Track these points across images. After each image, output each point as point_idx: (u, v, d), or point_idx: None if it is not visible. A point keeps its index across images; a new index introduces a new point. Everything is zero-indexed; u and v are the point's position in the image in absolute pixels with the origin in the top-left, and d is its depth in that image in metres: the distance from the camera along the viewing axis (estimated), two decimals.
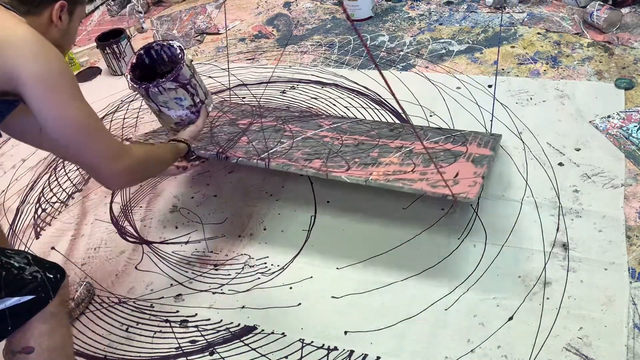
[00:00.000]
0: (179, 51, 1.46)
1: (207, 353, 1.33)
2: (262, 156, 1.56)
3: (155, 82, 1.37)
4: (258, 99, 2.16)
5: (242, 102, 2.08)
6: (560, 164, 1.61)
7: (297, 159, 1.54)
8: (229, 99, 2.12)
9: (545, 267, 1.35)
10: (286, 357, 1.28)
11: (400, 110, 1.91)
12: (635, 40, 2.06)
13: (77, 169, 1.98)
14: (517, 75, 2.01)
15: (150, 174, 1.48)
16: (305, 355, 1.28)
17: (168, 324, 1.42)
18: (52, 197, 1.92)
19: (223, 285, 1.48)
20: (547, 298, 1.28)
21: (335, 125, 1.77)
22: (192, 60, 1.45)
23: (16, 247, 1.74)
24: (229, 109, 1.97)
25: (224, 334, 1.36)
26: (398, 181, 1.38)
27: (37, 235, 1.77)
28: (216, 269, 1.53)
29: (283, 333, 1.33)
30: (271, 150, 1.60)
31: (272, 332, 1.34)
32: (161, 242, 1.65)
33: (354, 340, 1.29)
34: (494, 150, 1.56)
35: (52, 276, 1.08)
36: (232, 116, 1.89)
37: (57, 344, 1.08)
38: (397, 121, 1.90)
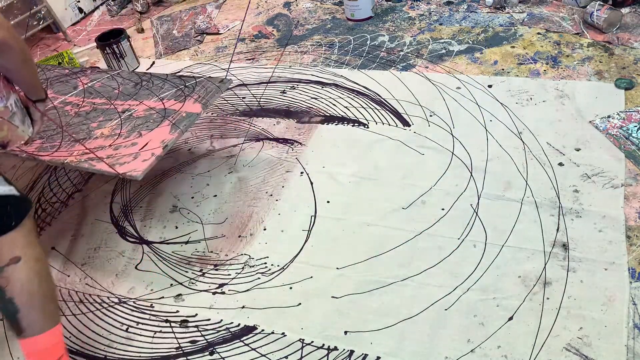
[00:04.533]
0: None
1: (207, 353, 1.33)
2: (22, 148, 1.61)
3: None
4: (258, 99, 2.16)
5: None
6: (560, 164, 1.61)
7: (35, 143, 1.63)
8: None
9: (545, 267, 1.35)
10: (286, 357, 1.28)
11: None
12: (635, 40, 2.06)
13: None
14: (517, 75, 2.01)
15: (18, 53, 1.20)
16: (305, 355, 1.28)
17: (168, 324, 1.42)
18: (52, 197, 1.92)
19: (223, 285, 1.48)
20: (547, 298, 1.28)
21: (88, 85, 1.89)
22: None
23: None
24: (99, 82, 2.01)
25: (224, 334, 1.36)
26: (86, 162, 1.51)
27: (37, 235, 1.77)
28: (216, 269, 1.53)
29: (283, 333, 1.33)
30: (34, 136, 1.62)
31: (272, 332, 1.34)
32: (161, 242, 1.65)
33: (354, 340, 1.29)
34: (205, 105, 1.67)
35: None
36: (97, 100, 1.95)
37: (40, 255, 1.21)
38: (398, 121, 1.90)
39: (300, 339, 1.31)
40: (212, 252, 1.58)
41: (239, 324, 1.38)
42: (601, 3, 2.15)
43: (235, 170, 1.85)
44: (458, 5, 2.55)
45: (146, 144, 1.54)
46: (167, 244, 1.64)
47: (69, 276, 1.61)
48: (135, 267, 1.59)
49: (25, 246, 1.17)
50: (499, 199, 1.55)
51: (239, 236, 1.61)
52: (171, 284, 1.52)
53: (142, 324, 1.43)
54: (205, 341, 1.36)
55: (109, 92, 1.83)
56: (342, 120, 1.96)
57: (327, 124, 1.95)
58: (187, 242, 1.63)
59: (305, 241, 1.55)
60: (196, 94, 1.72)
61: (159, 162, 1.95)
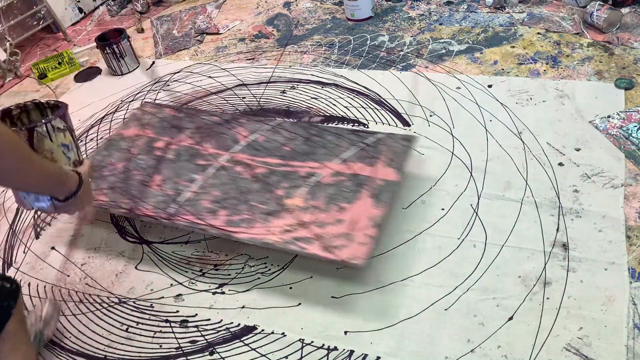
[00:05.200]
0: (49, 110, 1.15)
1: (207, 353, 1.33)
2: (169, 211, 1.49)
3: (43, 119, 1.06)
4: (258, 99, 2.16)
5: (163, 104, 2.01)
6: (560, 164, 1.61)
7: (202, 211, 1.48)
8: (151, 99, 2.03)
9: (545, 267, 1.35)
10: (286, 357, 1.28)
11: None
12: (635, 40, 2.06)
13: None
14: (517, 75, 2.01)
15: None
16: (305, 355, 1.28)
17: (168, 324, 1.42)
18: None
19: (223, 285, 1.48)
20: (547, 298, 1.28)
21: (251, 138, 1.69)
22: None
23: (16, 247, 1.74)
24: (149, 118, 1.86)
25: (224, 334, 1.36)
26: (294, 242, 1.35)
27: (37, 235, 1.77)
28: (216, 269, 1.53)
29: (283, 333, 1.33)
30: (181, 199, 1.53)
31: (272, 332, 1.34)
32: (161, 242, 1.65)
33: (354, 340, 1.29)
34: (400, 170, 1.49)
35: (8, 285, 1.09)
36: (150, 132, 1.80)
37: (30, 356, 1.10)
38: (398, 121, 1.90)
39: (300, 339, 1.31)
40: (212, 252, 1.58)
41: (239, 324, 1.38)
42: (601, 3, 2.15)
43: None
44: (458, 5, 2.55)
45: (353, 221, 1.37)
46: (167, 244, 1.64)
47: (69, 276, 1.61)
48: (135, 267, 1.59)
49: (6, 356, 1.05)
50: (499, 199, 1.55)
51: None
52: (171, 284, 1.52)
53: (142, 324, 1.43)
54: (205, 341, 1.36)
55: (277, 147, 1.64)
56: (342, 120, 1.96)
57: (327, 124, 1.95)
58: (187, 242, 1.63)
59: None
60: (383, 155, 1.54)
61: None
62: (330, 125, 1.88)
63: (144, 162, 1.68)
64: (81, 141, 2.16)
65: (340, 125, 1.73)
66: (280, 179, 1.54)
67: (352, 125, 1.92)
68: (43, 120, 1.04)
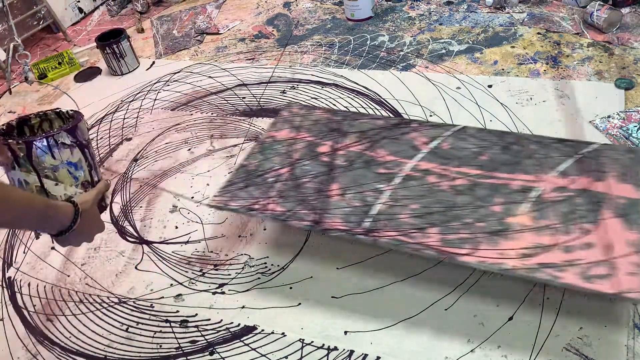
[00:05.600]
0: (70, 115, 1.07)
1: (207, 353, 1.33)
2: (364, 225, 1.29)
3: (44, 134, 0.96)
4: (258, 99, 2.16)
5: (311, 106, 1.77)
6: None
7: (406, 227, 1.27)
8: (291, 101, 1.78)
9: None
10: (286, 357, 1.28)
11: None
12: (635, 40, 2.06)
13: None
14: (517, 75, 2.01)
15: None
16: (305, 355, 1.28)
17: (168, 324, 1.42)
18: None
19: (223, 285, 1.48)
20: (547, 298, 1.28)
21: (433, 145, 1.48)
22: (89, 129, 1.10)
23: (16, 247, 1.75)
24: (300, 120, 1.68)
25: (224, 334, 1.36)
26: (540, 270, 1.13)
27: (37, 236, 1.76)
28: (216, 269, 1.53)
29: (283, 333, 1.33)
30: (372, 212, 1.32)
31: (272, 332, 1.34)
32: (161, 242, 1.65)
33: (354, 340, 1.29)
34: (638, 186, 1.26)
35: None
36: (308, 135, 1.60)
37: None
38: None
39: (300, 339, 1.31)
40: (212, 252, 1.58)
41: (239, 324, 1.38)
42: (601, 3, 2.15)
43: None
44: (458, 5, 2.55)
45: (609, 246, 1.15)
46: (167, 244, 1.64)
47: (69, 276, 1.61)
48: (135, 267, 1.59)
49: None
50: None
51: (239, 236, 1.61)
52: (171, 284, 1.52)
53: (142, 324, 1.43)
54: (205, 341, 1.36)
55: (470, 156, 1.42)
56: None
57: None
58: (187, 242, 1.63)
59: (305, 241, 1.55)
60: (609, 168, 1.32)
61: (158, 162, 1.96)
62: (527, 133, 1.69)
63: (311, 168, 1.49)
64: None
65: (544, 135, 1.51)
66: (489, 192, 1.32)
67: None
68: (44, 134, 0.93)
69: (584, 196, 1.27)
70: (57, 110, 1.06)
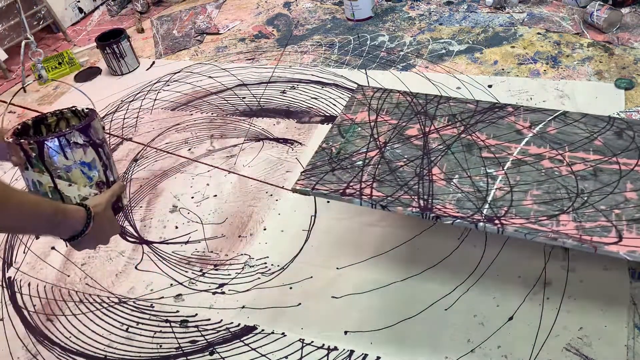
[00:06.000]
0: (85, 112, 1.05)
1: (207, 353, 1.33)
2: (484, 213, 1.18)
3: (55, 133, 0.92)
4: (258, 99, 2.16)
5: (385, 89, 1.64)
6: None
7: (534, 214, 1.17)
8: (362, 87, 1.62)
9: (545, 267, 1.35)
10: (286, 357, 1.28)
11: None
12: (635, 40, 2.06)
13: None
14: (517, 75, 2.01)
15: None
16: (305, 355, 1.28)
17: (168, 324, 1.42)
18: None
19: (223, 285, 1.48)
20: (547, 298, 1.28)
21: (539, 129, 1.39)
22: (104, 127, 1.05)
23: (16, 247, 1.75)
24: (378, 102, 1.58)
25: (224, 334, 1.36)
26: None
27: (37, 236, 1.77)
28: (216, 269, 1.53)
29: (283, 333, 1.33)
30: (490, 199, 1.21)
31: (272, 332, 1.34)
32: (161, 242, 1.65)
33: (354, 340, 1.29)
34: None
35: None
36: (390, 119, 1.50)
37: None
38: None
39: (300, 339, 1.31)
40: (212, 252, 1.58)
41: (239, 324, 1.38)
42: (601, 3, 2.15)
43: (235, 170, 1.85)
44: (458, 5, 2.55)
45: None
46: (167, 244, 1.64)
47: (69, 276, 1.61)
48: (135, 267, 1.59)
49: None
50: None
51: (239, 236, 1.61)
52: (171, 284, 1.52)
53: (142, 324, 1.43)
54: (205, 341, 1.36)
55: (581, 141, 1.34)
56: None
57: (327, 124, 1.95)
58: (187, 242, 1.63)
59: (305, 241, 1.55)
60: None
61: (158, 163, 1.96)
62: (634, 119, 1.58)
63: (403, 152, 1.38)
64: None
65: None
66: (616, 178, 1.22)
67: None
68: (56, 134, 0.90)
69: None
70: (74, 109, 1.04)
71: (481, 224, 1.16)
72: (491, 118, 1.46)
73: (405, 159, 1.36)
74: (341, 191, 1.27)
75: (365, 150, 1.41)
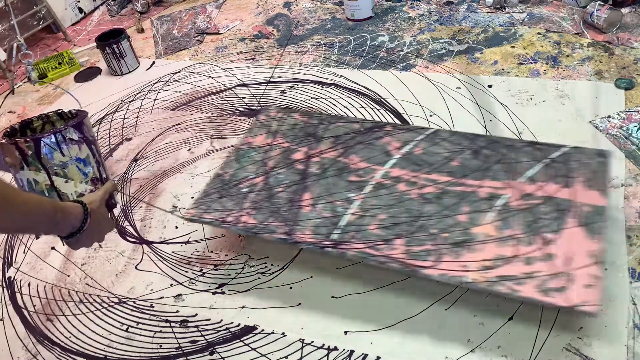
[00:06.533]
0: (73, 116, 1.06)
1: (207, 353, 1.33)
2: (332, 238, 1.29)
3: (52, 130, 0.94)
4: (258, 99, 2.16)
5: (289, 109, 1.76)
6: None
7: (373, 238, 1.27)
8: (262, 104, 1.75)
9: None
10: (286, 357, 1.28)
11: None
12: (635, 40, 2.06)
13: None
14: (517, 75, 2.01)
15: None
16: (305, 355, 1.28)
17: (168, 324, 1.42)
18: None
19: (223, 285, 1.48)
20: None
21: (406, 150, 1.47)
22: (93, 126, 1.06)
23: (16, 247, 1.75)
24: (277, 124, 1.66)
25: (224, 334, 1.36)
26: (501, 283, 1.13)
27: (37, 236, 1.76)
28: (216, 269, 1.53)
29: (283, 333, 1.33)
30: (342, 223, 1.32)
31: (272, 332, 1.34)
32: (161, 242, 1.65)
33: (354, 340, 1.29)
34: (604, 192, 1.26)
35: None
36: (284, 141, 1.59)
37: None
38: (398, 121, 1.90)
39: (300, 339, 1.31)
40: (212, 252, 1.58)
41: (239, 324, 1.38)
42: (601, 3, 2.15)
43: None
44: (458, 5, 2.55)
45: (566, 256, 1.15)
46: (167, 244, 1.64)
47: (69, 276, 1.61)
48: (135, 267, 1.59)
49: None
50: None
51: (239, 236, 1.61)
52: (171, 284, 1.52)
53: (142, 324, 1.43)
54: (205, 341, 1.36)
55: (441, 162, 1.42)
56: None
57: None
58: (187, 242, 1.63)
59: None
60: (577, 173, 1.31)
61: (158, 163, 1.96)
62: (498, 135, 1.68)
63: (284, 177, 1.48)
64: None
65: (510, 137, 1.54)
66: (456, 200, 1.31)
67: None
68: (51, 130, 0.92)
69: (549, 204, 1.26)
70: (59, 112, 1.05)
71: (328, 249, 1.27)
72: (370, 139, 1.54)
73: (285, 184, 1.45)
74: (222, 219, 1.39)
75: (254, 176, 1.50)
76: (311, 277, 1.45)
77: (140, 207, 1.79)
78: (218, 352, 1.32)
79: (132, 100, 2.34)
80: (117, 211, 1.79)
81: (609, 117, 1.73)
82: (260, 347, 1.31)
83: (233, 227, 1.37)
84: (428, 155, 1.44)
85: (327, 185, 1.43)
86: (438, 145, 1.47)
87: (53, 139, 0.91)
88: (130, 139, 2.11)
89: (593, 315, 1.10)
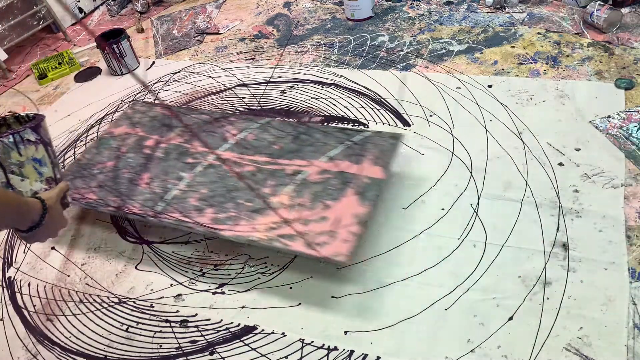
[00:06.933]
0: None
1: (207, 353, 1.33)
2: (156, 209, 1.52)
3: (9, 131, 1.00)
4: (258, 99, 2.16)
5: (154, 102, 2.04)
6: (560, 164, 1.61)
7: (189, 209, 1.51)
8: (143, 96, 2.09)
9: (545, 267, 1.35)
10: (286, 357, 1.28)
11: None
12: (635, 40, 2.06)
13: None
14: (517, 75, 2.01)
15: None
16: (305, 355, 1.28)
17: (168, 324, 1.42)
18: None
19: (223, 285, 1.48)
20: (547, 298, 1.28)
21: (240, 137, 1.71)
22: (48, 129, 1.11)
23: (16, 247, 1.75)
24: (140, 117, 1.90)
25: (224, 334, 1.36)
26: (278, 240, 1.37)
27: None
28: (216, 269, 1.53)
29: (283, 333, 1.33)
30: (168, 196, 1.55)
31: (272, 332, 1.34)
32: (161, 242, 1.65)
33: (354, 340, 1.29)
34: (387, 168, 1.51)
35: None
36: (140, 131, 1.82)
37: None
38: (398, 121, 1.90)
39: (300, 339, 1.31)
40: (212, 252, 1.58)
41: (239, 324, 1.38)
42: (601, 3, 2.15)
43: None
44: (458, 5, 2.55)
45: (337, 218, 1.39)
46: (167, 244, 1.64)
47: (69, 276, 1.61)
48: (135, 267, 1.59)
49: None
50: (499, 199, 1.55)
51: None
52: (171, 284, 1.52)
53: (142, 324, 1.43)
54: (205, 341, 1.36)
55: (266, 147, 1.66)
56: (342, 120, 1.96)
57: (327, 124, 1.95)
58: (187, 242, 1.63)
59: None
60: (369, 152, 1.56)
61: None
62: (319, 123, 1.89)
63: (133, 160, 1.71)
64: (81, 141, 2.16)
65: (330, 125, 1.78)
66: (267, 177, 1.56)
67: (352, 125, 1.92)
68: (9, 131, 0.98)
69: (339, 177, 1.50)
70: (16, 115, 1.10)
71: (150, 218, 1.50)
72: (214, 127, 1.78)
73: (130, 167, 1.68)
74: (78, 197, 1.61)
75: (106, 160, 1.74)
76: (311, 277, 1.45)
77: None
78: (218, 352, 1.32)
79: (132, 101, 2.34)
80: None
81: (609, 117, 1.73)
82: (260, 347, 1.31)
83: (73, 202, 1.59)
84: (258, 140, 1.70)
85: (166, 166, 1.66)
86: (267, 132, 1.72)
87: (11, 139, 0.96)
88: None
89: (342, 264, 1.32)
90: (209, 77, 2.38)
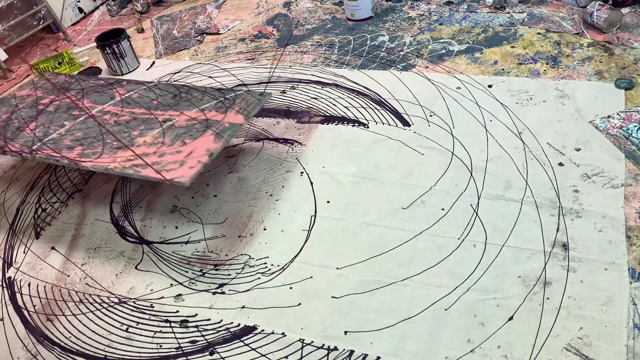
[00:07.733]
0: None
1: (207, 353, 1.33)
2: (33, 148, 1.71)
3: None
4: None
5: (61, 74, 2.22)
6: (560, 164, 1.61)
7: (62, 148, 1.70)
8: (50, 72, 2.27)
9: (545, 267, 1.35)
10: (286, 357, 1.28)
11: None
12: (635, 40, 2.06)
13: (77, 169, 1.98)
14: (517, 75, 2.01)
15: None
16: (305, 355, 1.28)
17: (168, 324, 1.42)
18: (52, 197, 1.92)
19: (223, 285, 1.48)
20: (547, 298, 1.28)
21: (126, 95, 1.93)
22: None
23: (16, 247, 1.75)
24: (44, 82, 2.11)
25: (224, 334, 1.36)
26: (131, 168, 1.55)
27: (37, 235, 1.77)
28: (216, 269, 1.53)
29: (283, 333, 1.33)
30: (46, 139, 1.75)
31: (272, 332, 1.34)
32: (161, 242, 1.65)
33: (354, 340, 1.29)
34: (247, 117, 1.70)
35: None
36: (40, 93, 2.05)
37: None
38: (398, 121, 1.90)
39: (300, 339, 1.31)
40: (212, 252, 1.58)
41: (239, 324, 1.38)
42: (601, 3, 2.15)
43: (235, 170, 1.85)
44: (458, 5, 2.55)
45: (191, 152, 1.57)
46: (167, 244, 1.64)
47: (69, 276, 1.61)
48: (135, 267, 1.59)
49: None
50: (499, 199, 1.55)
51: (239, 236, 1.61)
52: (171, 284, 1.52)
53: (142, 324, 1.43)
54: (205, 341, 1.36)
55: (147, 102, 1.87)
56: (342, 120, 1.96)
57: (327, 124, 1.95)
58: (187, 242, 1.63)
59: (305, 241, 1.55)
60: (237, 105, 1.75)
61: None
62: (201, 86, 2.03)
63: (25, 113, 1.93)
64: None
65: (211, 87, 1.94)
66: (140, 123, 1.76)
67: (353, 126, 1.92)
68: None
69: (203, 123, 1.69)
70: None
71: (25, 154, 1.70)
72: (106, 89, 2.00)
73: (22, 118, 1.90)
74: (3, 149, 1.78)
75: (2, 114, 1.96)
76: (311, 277, 1.45)
77: (141, 207, 1.79)
78: (218, 352, 1.32)
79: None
80: (107, 212, 1.79)
81: (609, 117, 1.73)
82: (260, 347, 1.31)
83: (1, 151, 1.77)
84: (141, 98, 1.90)
85: (54, 118, 1.86)
86: (152, 92, 1.92)
87: None
88: None
89: (182, 185, 1.46)
90: (209, 77, 2.38)
